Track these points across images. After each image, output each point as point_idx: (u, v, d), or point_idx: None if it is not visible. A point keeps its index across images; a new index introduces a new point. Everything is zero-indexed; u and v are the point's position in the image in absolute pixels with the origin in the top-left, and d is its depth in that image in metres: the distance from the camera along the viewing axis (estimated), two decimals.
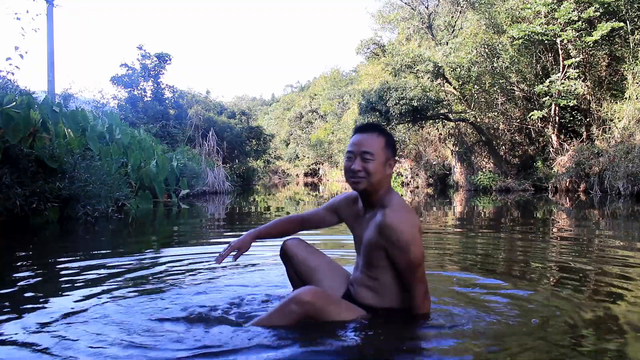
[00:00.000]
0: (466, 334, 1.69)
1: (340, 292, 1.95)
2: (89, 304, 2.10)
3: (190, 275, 2.73)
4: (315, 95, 46.68)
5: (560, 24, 12.33)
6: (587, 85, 13.07)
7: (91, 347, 1.56)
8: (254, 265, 3.03)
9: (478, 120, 15.77)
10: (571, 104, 12.85)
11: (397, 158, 1.88)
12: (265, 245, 3.60)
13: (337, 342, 1.59)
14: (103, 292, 2.32)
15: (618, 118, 12.24)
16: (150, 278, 2.66)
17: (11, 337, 1.66)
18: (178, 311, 1.96)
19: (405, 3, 23.52)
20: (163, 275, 2.75)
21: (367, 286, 1.79)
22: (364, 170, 1.71)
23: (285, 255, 2.06)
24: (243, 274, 2.75)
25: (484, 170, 16.16)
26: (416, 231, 1.66)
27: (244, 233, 2.00)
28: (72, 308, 2.03)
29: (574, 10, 12.02)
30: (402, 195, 13.69)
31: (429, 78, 15.50)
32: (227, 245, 1.93)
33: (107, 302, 2.13)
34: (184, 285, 2.45)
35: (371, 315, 1.76)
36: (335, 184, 26.17)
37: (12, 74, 7.15)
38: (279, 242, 2.10)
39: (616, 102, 12.57)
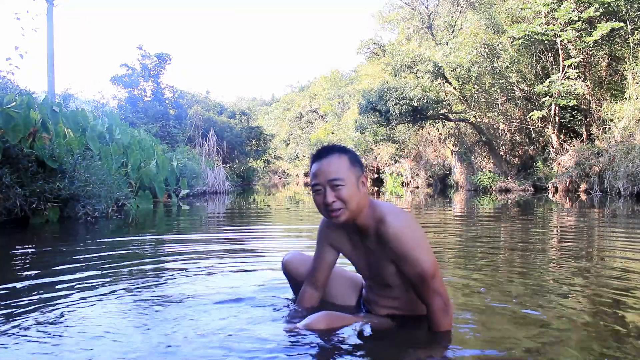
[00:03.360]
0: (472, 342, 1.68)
1: (352, 301, 1.88)
2: (89, 304, 2.09)
3: (191, 275, 2.73)
4: (315, 95, 46.66)
5: (560, 24, 12.33)
6: (587, 85, 13.07)
7: (90, 348, 1.56)
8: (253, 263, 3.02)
9: (478, 120, 15.77)
10: (571, 104, 12.85)
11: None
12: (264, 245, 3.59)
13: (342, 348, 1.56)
14: (103, 292, 2.31)
15: (618, 118, 12.24)
16: (151, 278, 2.66)
17: (10, 338, 1.66)
18: (180, 315, 1.95)
19: (405, 3, 23.52)
20: (163, 275, 2.75)
21: (389, 307, 1.69)
22: (339, 199, 1.52)
23: (287, 272, 2.00)
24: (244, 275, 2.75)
25: (484, 170, 16.16)
26: (421, 236, 1.52)
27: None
28: (73, 309, 2.03)
29: (574, 10, 12.02)
30: (401, 195, 13.72)
31: (429, 78, 15.50)
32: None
33: (108, 303, 2.13)
34: (185, 286, 2.45)
35: (391, 322, 1.66)
36: None
37: (12, 74, 7.16)
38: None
39: (616, 102, 12.57)
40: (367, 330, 1.63)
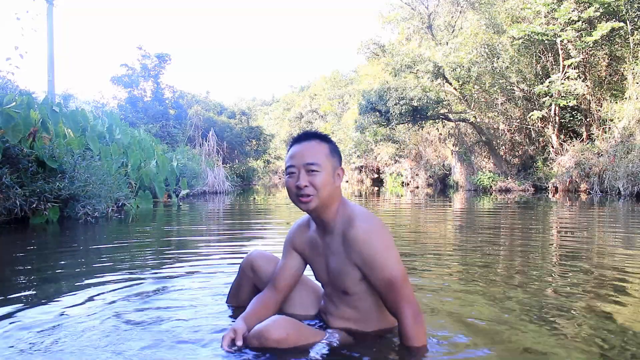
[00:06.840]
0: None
1: (312, 311, 1.77)
2: (88, 304, 2.10)
3: (190, 277, 2.74)
4: (315, 95, 46.64)
5: (560, 24, 12.34)
6: (587, 85, 13.07)
7: (88, 349, 1.56)
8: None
9: (478, 120, 15.78)
10: (571, 104, 12.86)
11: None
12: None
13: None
14: (102, 293, 2.31)
15: (618, 118, 12.25)
16: (150, 278, 2.66)
17: (9, 338, 1.66)
18: (168, 319, 1.95)
19: (405, 3, 23.51)
20: (161, 275, 2.75)
21: (345, 318, 1.57)
22: (312, 185, 1.46)
23: (250, 268, 1.83)
24: None
25: (484, 170, 16.17)
26: (391, 241, 1.46)
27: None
28: (72, 309, 2.03)
29: (574, 10, 12.03)
30: (402, 195, 13.72)
31: (429, 78, 15.51)
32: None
33: (106, 303, 2.13)
34: (182, 288, 2.45)
35: (351, 339, 1.54)
36: None
37: (12, 74, 7.17)
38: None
39: (616, 102, 12.58)
40: (334, 344, 1.49)
